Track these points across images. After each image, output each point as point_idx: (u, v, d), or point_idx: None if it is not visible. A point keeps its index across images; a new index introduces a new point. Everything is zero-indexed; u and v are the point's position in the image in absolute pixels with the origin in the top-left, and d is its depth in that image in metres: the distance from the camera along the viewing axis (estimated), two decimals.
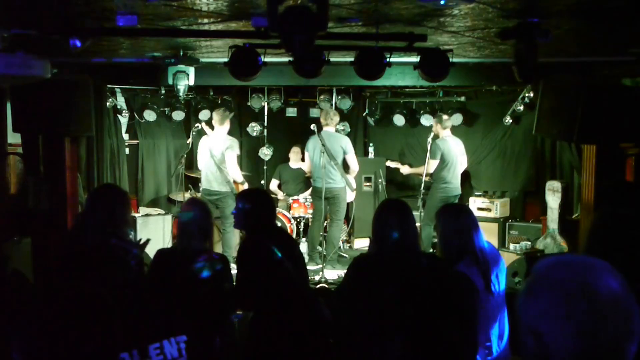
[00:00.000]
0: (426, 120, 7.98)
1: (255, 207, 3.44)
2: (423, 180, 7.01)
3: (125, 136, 7.99)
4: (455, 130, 7.94)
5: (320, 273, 6.48)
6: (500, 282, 3.22)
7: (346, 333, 2.97)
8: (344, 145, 6.88)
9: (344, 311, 3.01)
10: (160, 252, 3.42)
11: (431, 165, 7.00)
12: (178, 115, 7.97)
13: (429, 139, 6.98)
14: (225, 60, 4.51)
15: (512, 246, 6.79)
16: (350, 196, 7.15)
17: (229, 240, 6.86)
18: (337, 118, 7.05)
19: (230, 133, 8.74)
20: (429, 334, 2.87)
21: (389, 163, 7.91)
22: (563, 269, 1.10)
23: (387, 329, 2.83)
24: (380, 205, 3.09)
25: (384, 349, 2.82)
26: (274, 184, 8.27)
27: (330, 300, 3.36)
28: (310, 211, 7.63)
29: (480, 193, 7.82)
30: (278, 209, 7.81)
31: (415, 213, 7.71)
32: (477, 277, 3.05)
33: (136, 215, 7.27)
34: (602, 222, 2.37)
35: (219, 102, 8.35)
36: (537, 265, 1.17)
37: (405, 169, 7.62)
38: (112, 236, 3.18)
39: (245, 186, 7.06)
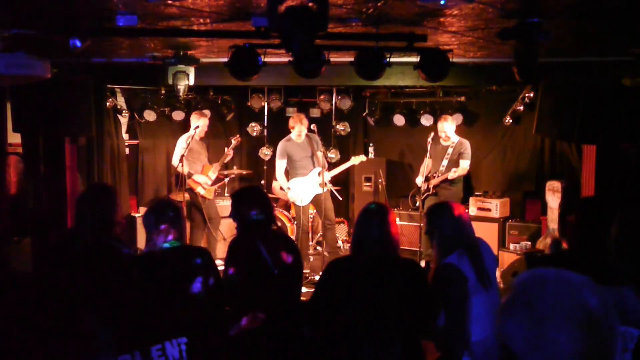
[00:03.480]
0: (426, 120, 7.96)
1: (241, 205, 3.40)
2: (422, 181, 7.01)
3: (125, 136, 7.99)
4: (455, 130, 7.94)
5: (321, 272, 6.49)
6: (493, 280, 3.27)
7: (323, 334, 2.98)
8: None
9: (320, 312, 3.03)
10: (147, 253, 3.32)
11: (467, 166, 6.88)
12: (178, 115, 7.97)
13: (429, 139, 6.97)
14: (225, 60, 4.52)
15: (512, 246, 6.80)
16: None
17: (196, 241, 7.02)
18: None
19: (230, 133, 8.76)
20: (405, 336, 2.90)
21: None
22: (538, 286, 1.05)
23: (363, 331, 2.85)
24: (362, 210, 3.10)
25: (361, 350, 2.84)
26: (276, 185, 8.25)
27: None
28: (312, 211, 7.61)
29: (480, 193, 7.82)
30: (278, 209, 7.80)
31: (415, 213, 7.74)
32: (468, 269, 3.10)
33: (136, 215, 7.27)
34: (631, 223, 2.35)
35: (219, 102, 8.35)
36: (516, 280, 1.12)
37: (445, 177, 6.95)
38: (104, 237, 3.18)
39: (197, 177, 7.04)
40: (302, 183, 6.96)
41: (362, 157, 7.43)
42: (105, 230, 3.25)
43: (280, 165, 7.05)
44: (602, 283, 1.10)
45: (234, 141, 7.54)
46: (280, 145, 7.05)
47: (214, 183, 7.25)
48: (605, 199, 3.43)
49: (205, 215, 7.01)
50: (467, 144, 6.92)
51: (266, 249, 3.24)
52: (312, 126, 6.97)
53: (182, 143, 6.98)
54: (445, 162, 6.91)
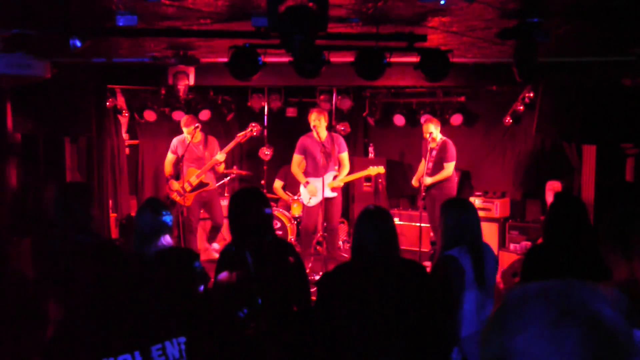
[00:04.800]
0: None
1: (231, 210, 3.26)
2: (423, 179, 7.00)
3: (125, 136, 7.99)
4: (455, 130, 7.96)
5: (321, 273, 6.49)
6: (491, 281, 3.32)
7: (328, 343, 2.98)
8: None
9: (323, 319, 3.03)
10: (144, 253, 3.28)
11: (450, 169, 6.84)
12: (178, 115, 7.97)
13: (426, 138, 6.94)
14: (225, 60, 4.52)
15: (512, 246, 6.80)
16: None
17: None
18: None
19: (230, 133, 8.78)
20: (409, 337, 2.91)
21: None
22: (554, 294, 0.99)
23: (366, 335, 2.85)
24: (359, 214, 3.07)
25: (365, 354, 2.85)
26: (277, 185, 8.23)
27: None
28: None
29: (480, 193, 7.82)
30: (278, 209, 7.80)
31: (415, 213, 7.74)
32: (468, 266, 3.17)
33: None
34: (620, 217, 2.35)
35: (219, 102, 8.35)
36: (517, 290, 1.04)
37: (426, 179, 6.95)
38: (83, 235, 3.18)
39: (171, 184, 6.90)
40: (314, 184, 6.83)
41: (381, 169, 7.14)
42: (83, 227, 3.26)
43: (295, 159, 6.80)
44: (591, 279, 1.07)
45: (239, 136, 7.21)
46: (300, 139, 6.86)
47: (194, 189, 6.85)
48: (574, 201, 3.49)
49: (181, 224, 6.62)
50: (448, 145, 6.85)
51: (255, 260, 3.15)
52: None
53: (171, 147, 6.89)
54: (430, 165, 6.88)
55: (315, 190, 6.72)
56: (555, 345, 0.96)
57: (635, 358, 0.98)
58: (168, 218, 3.29)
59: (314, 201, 6.79)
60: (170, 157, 6.91)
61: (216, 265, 3.26)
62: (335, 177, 6.68)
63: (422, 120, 7.47)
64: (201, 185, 6.89)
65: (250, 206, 3.26)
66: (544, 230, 3.41)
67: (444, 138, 6.91)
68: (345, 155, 6.78)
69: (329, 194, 6.64)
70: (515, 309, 1.02)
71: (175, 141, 6.91)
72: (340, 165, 6.85)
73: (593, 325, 0.97)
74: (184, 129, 6.79)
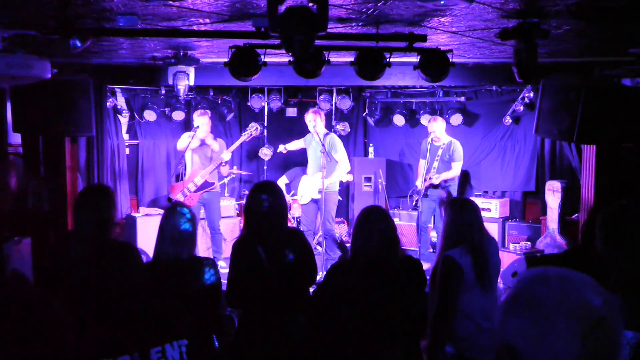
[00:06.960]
0: (426, 120, 7.95)
1: (247, 202, 3.33)
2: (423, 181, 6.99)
3: (125, 136, 7.99)
4: (455, 130, 7.95)
5: (321, 273, 6.49)
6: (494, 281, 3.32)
7: (324, 335, 2.98)
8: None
9: (321, 313, 3.03)
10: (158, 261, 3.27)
11: (458, 169, 6.84)
12: (178, 115, 7.97)
13: (427, 141, 6.93)
14: (225, 60, 4.52)
15: (512, 246, 6.80)
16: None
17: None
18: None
19: (230, 133, 8.75)
20: (405, 336, 2.91)
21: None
22: (541, 285, 1.05)
23: (364, 332, 2.86)
24: (359, 214, 3.07)
25: (362, 351, 2.85)
26: (281, 182, 8.21)
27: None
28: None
29: (480, 193, 7.82)
30: None
31: (415, 213, 7.74)
32: (469, 267, 3.18)
33: (136, 215, 7.28)
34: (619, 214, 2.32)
35: (219, 102, 8.35)
36: (517, 278, 1.12)
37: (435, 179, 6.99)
38: (103, 238, 3.18)
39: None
40: (305, 181, 6.95)
41: (350, 177, 7.47)
42: (104, 231, 3.25)
43: (295, 141, 7.29)
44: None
45: (244, 135, 7.27)
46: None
47: (198, 189, 6.76)
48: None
49: None
50: (456, 145, 6.86)
51: (266, 250, 3.18)
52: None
53: (182, 143, 6.84)
54: (435, 164, 6.84)
55: (306, 188, 6.86)
56: (544, 330, 1.00)
57: (623, 351, 1.01)
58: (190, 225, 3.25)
59: (304, 199, 6.91)
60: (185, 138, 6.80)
61: (230, 259, 3.28)
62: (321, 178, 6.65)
63: (428, 119, 7.44)
64: (206, 184, 6.82)
65: (262, 200, 3.25)
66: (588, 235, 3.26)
67: (451, 139, 6.91)
68: (339, 156, 6.75)
69: (315, 195, 6.73)
70: (518, 293, 1.07)
71: (189, 138, 6.79)
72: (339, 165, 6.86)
73: (583, 312, 1.00)
74: (200, 119, 6.75)
